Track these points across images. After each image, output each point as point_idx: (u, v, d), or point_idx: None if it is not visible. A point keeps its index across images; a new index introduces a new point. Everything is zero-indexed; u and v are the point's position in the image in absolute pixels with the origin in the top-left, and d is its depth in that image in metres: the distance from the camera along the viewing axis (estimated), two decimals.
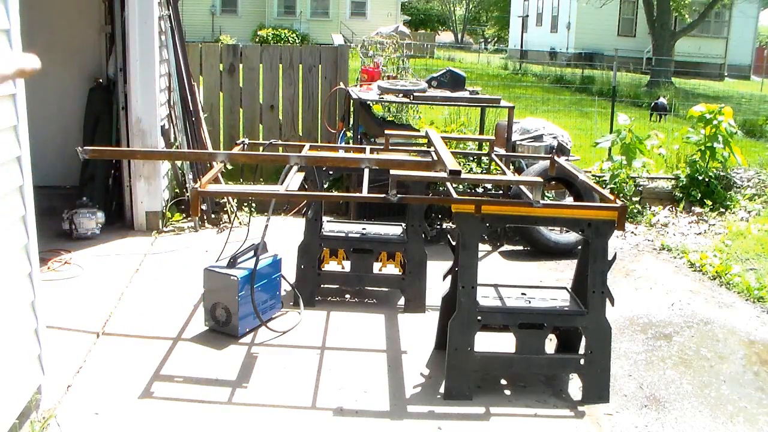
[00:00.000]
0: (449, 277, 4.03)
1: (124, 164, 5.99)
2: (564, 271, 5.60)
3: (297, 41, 28.31)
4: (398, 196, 3.42)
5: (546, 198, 6.15)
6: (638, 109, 16.30)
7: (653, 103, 15.47)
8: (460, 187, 5.85)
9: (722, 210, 7.29)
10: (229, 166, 4.52)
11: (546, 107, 14.82)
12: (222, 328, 4.08)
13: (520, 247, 6.18)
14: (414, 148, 5.54)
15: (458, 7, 54.80)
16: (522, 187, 3.86)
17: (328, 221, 5.07)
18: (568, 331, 3.88)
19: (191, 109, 6.34)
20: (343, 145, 6.67)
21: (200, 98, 6.77)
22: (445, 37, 52.40)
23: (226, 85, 7.26)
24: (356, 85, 7.10)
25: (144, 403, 3.36)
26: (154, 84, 5.75)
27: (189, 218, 6.20)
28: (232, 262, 4.11)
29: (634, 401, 3.65)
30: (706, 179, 7.46)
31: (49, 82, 6.51)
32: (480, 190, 6.37)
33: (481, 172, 6.86)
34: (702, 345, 4.39)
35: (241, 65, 7.26)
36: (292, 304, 4.57)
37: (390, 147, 4.86)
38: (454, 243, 3.98)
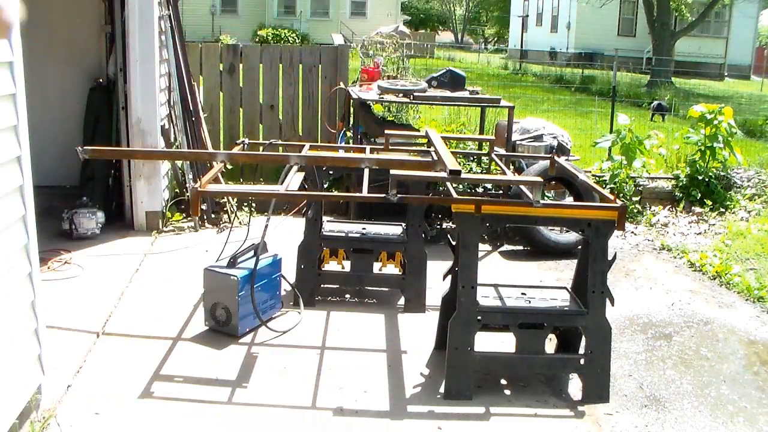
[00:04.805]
0: (449, 277, 4.02)
1: (124, 164, 5.99)
2: (564, 271, 5.60)
3: (297, 41, 28.30)
4: (398, 196, 3.42)
5: (546, 198, 6.15)
6: (638, 109, 16.29)
7: (653, 104, 15.45)
8: (460, 186, 5.85)
9: (722, 210, 7.29)
10: (229, 166, 4.51)
11: (546, 107, 14.81)
12: (222, 328, 4.09)
13: (520, 247, 6.18)
14: (414, 148, 5.54)
15: (458, 7, 54.81)
16: (522, 186, 3.86)
17: (328, 221, 5.07)
18: (568, 331, 3.88)
19: (191, 109, 6.34)
20: (343, 145, 6.66)
21: (200, 98, 6.77)
22: (445, 37, 52.41)
23: (226, 85, 7.26)
24: (356, 85, 7.10)
25: (144, 403, 3.36)
26: (154, 84, 5.75)
27: (189, 218, 6.20)
28: (232, 262, 4.12)
29: (634, 401, 3.65)
30: (706, 179, 7.46)
31: (49, 81, 6.53)
32: (480, 190, 6.37)
33: (481, 172, 6.86)
34: (702, 345, 4.39)
35: (241, 65, 7.26)
36: (292, 304, 4.57)
37: (390, 147, 4.86)
38: (454, 243, 3.98)
